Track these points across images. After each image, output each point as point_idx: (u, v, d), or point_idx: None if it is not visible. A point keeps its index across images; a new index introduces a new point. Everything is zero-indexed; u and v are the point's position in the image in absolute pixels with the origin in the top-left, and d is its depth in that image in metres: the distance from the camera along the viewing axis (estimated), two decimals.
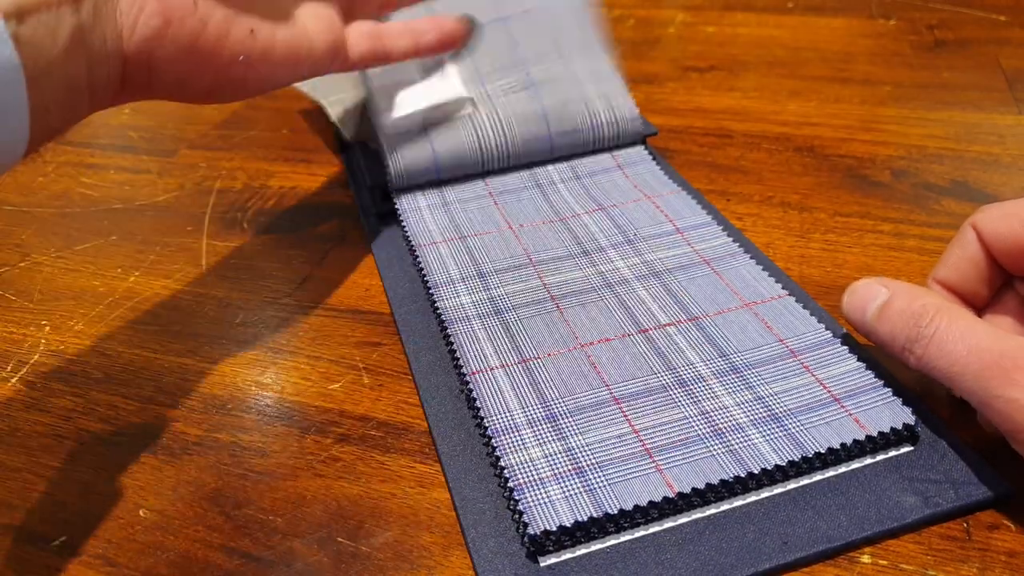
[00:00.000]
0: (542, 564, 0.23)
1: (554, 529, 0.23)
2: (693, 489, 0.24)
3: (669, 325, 0.30)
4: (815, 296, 0.34)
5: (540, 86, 0.41)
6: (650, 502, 0.24)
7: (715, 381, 0.28)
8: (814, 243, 0.38)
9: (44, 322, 0.35)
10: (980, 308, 0.29)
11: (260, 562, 0.24)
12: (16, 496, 0.27)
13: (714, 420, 0.26)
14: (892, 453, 0.26)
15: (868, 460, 0.26)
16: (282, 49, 0.30)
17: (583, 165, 0.41)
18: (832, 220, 0.39)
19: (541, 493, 0.24)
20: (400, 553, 0.24)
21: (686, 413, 0.27)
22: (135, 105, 0.57)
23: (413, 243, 0.36)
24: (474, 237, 0.36)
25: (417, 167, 0.39)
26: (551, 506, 0.23)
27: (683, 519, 0.24)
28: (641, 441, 0.26)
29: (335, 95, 0.48)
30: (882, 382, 0.27)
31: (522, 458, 0.25)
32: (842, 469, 0.25)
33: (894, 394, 0.27)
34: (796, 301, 0.31)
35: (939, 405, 0.28)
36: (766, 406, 0.26)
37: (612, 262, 0.34)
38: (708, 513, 0.24)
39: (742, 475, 0.24)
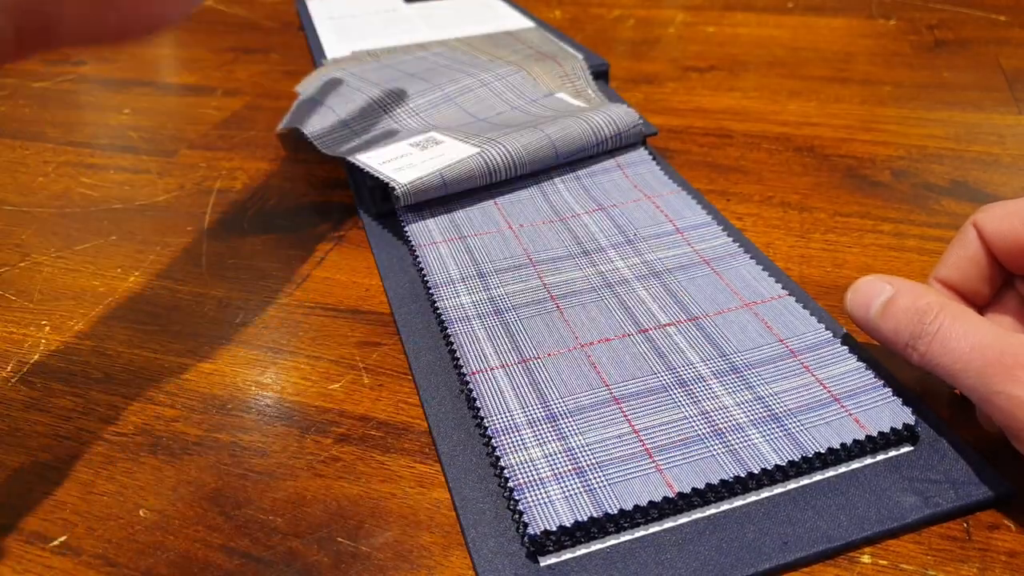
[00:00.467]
0: (542, 564, 0.23)
1: (554, 529, 0.23)
2: (693, 489, 0.24)
3: (669, 325, 0.30)
4: (815, 296, 0.34)
5: (544, 123, 0.42)
6: (650, 502, 0.24)
7: (715, 381, 0.28)
8: (814, 243, 0.38)
9: (44, 322, 0.35)
10: (981, 307, 0.29)
11: (260, 562, 0.24)
12: (16, 496, 0.27)
13: (714, 420, 0.26)
14: (892, 453, 0.26)
15: (868, 460, 0.26)
16: None
17: (583, 165, 0.42)
18: (832, 220, 0.39)
19: (541, 493, 0.24)
20: (400, 553, 0.24)
21: (686, 413, 0.27)
22: (135, 105, 0.57)
23: (413, 243, 0.36)
24: (474, 237, 0.36)
25: (423, 189, 0.38)
26: (551, 506, 0.23)
27: (683, 519, 0.24)
28: (641, 441, 0.26)
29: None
30: (882, 382, 0.27)
31: (522, 458, 0.25)
32: (842, 469, 0.25)
33: (894, 394, 0.27)
34: (796, 301, 0.31)
35: (939, 405, 0.28)
36: (766, 406, 0.26)
37: (612, 262, 0.34)
38: (708, 513, 0.24)
39: (742, 475, 0.24)
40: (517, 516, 0.24)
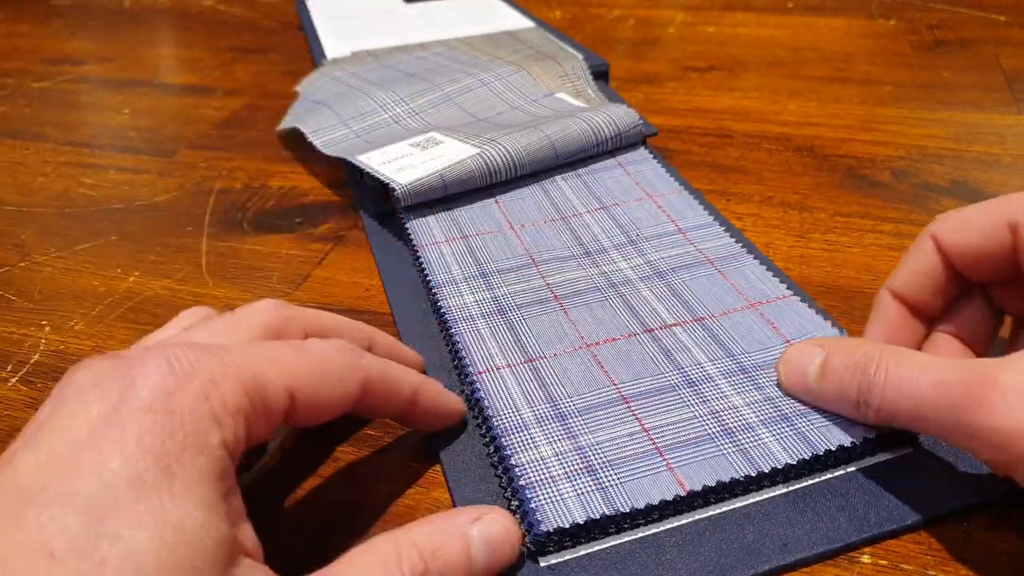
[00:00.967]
0: (542, 564, 0.23)
1: (567, 526, 0.23)
2: (704, 487, 0.24)
3: (675, 325, 0.31)
4: (815, 296, 0.34)
5: (543, 123, 0.41)
6: (662, 500, 0.24)
7: (724, 381, 0.28)
8: (814, 243, 0.38)
9: (44, 322, 0.35)
10: (932, 319, 0.28)
11: None
12: None
13: (724, 420, 0.26)
14: (892, 454, 0.26)
15: (868, 461, 0.26)
16: None
17: (584, 163, 0.42)
18: (832, 220, 0.39)
19: (553, 491, 0.24)
20: None
21: (696, 412, 0.27)
22: (135, 105, 0.57)
23: (415, 243, 0.36)
24: (476, 237, 0.36)
25: (423, 190, 0.38)
26: (563, 504, 0.23)
27: (683, 520, 0.24)
28: (651, 440, 0.26)
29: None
30: None
31: (532, 456, 0.25)
32: (841, 471, 0.25)
33: None
34: (801, 301, 0.31)
35: None
36: (776, 407, 0.27)
37: (615, 263, 0.34)
38: (708, 514, 0.24)
39: (753, 474, 0.24)
40: (521, 516, 0.24)
